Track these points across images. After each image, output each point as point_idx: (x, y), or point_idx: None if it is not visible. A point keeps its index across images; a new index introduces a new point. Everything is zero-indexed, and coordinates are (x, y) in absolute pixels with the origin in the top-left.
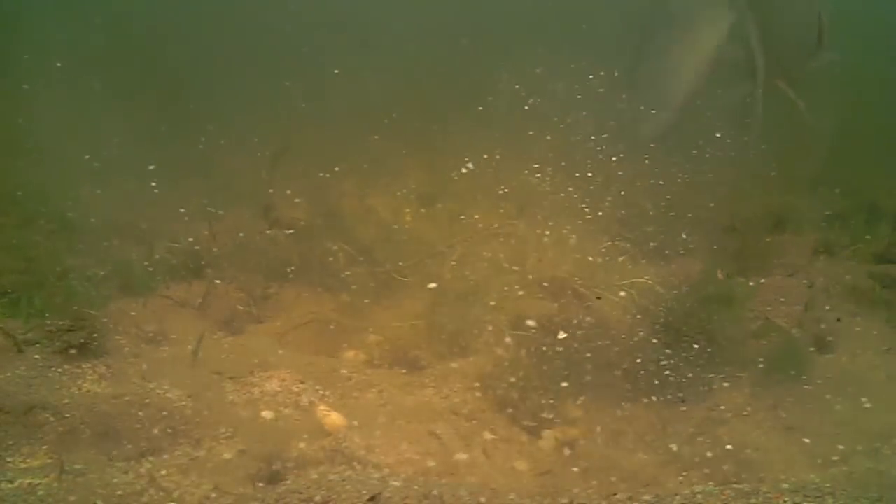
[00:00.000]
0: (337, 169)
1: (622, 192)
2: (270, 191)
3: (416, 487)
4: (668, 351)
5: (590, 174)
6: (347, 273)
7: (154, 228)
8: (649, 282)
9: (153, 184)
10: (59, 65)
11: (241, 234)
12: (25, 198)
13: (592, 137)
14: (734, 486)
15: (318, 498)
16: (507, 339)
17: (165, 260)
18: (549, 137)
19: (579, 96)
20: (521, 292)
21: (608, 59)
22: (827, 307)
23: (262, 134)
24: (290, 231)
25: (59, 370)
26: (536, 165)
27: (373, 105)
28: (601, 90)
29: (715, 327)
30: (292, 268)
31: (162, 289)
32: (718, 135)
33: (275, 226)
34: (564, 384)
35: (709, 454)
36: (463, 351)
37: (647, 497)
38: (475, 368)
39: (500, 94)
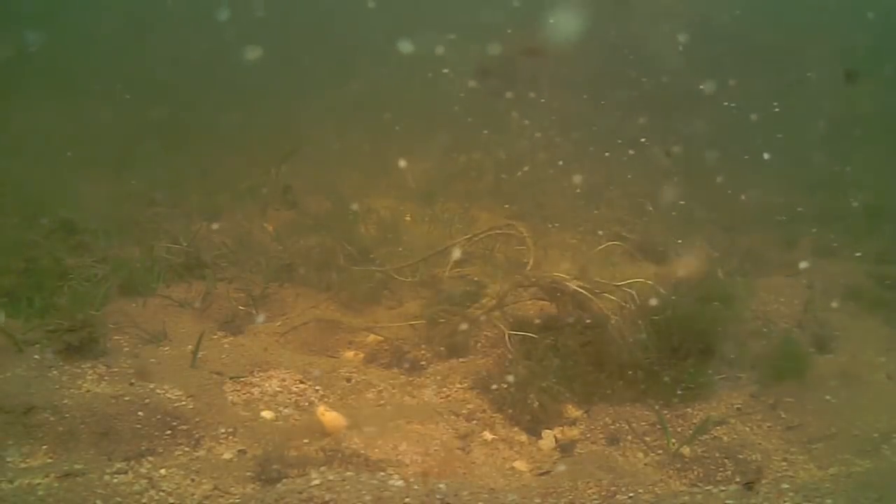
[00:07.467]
0: (337, 170)
1: (622, 192)
2: (271, 191)
3: (416, 487)
4: (668, 351)
5: (590, 174)
6: (347, 273)
7: (154, 228)
8: (649, 282)
9: (153, 184)
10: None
11: (241, 235)
12: (25, 198)
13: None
14: (734, 486)
15: (318, 498)
16: (507, 340)
17: (165, 260)
18: (549, 138)
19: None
20: (520, 292)
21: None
22: (826, 307)
23: (263, 136)
24: (290, 231)
25: (59, 370)
26: (537, 166)
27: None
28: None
29: (715, 327)
30: (292, 268)
31: (162, 289)
32: None
33: (275, 225)
34: (564, 384)
35: (709, 454)
36: (463, 351)
37: (647, 497)
38: (475, 368)
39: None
